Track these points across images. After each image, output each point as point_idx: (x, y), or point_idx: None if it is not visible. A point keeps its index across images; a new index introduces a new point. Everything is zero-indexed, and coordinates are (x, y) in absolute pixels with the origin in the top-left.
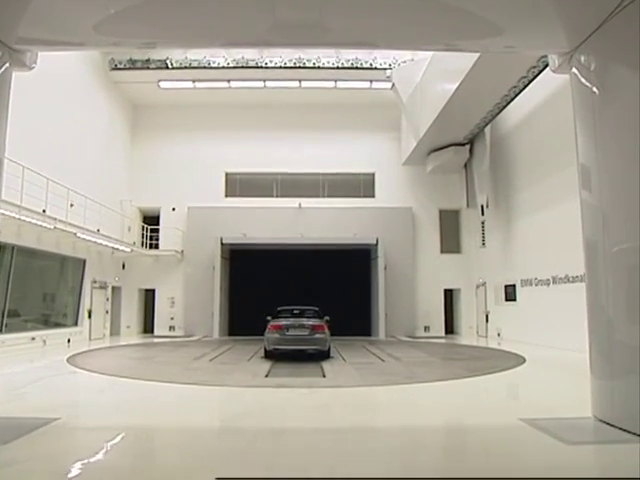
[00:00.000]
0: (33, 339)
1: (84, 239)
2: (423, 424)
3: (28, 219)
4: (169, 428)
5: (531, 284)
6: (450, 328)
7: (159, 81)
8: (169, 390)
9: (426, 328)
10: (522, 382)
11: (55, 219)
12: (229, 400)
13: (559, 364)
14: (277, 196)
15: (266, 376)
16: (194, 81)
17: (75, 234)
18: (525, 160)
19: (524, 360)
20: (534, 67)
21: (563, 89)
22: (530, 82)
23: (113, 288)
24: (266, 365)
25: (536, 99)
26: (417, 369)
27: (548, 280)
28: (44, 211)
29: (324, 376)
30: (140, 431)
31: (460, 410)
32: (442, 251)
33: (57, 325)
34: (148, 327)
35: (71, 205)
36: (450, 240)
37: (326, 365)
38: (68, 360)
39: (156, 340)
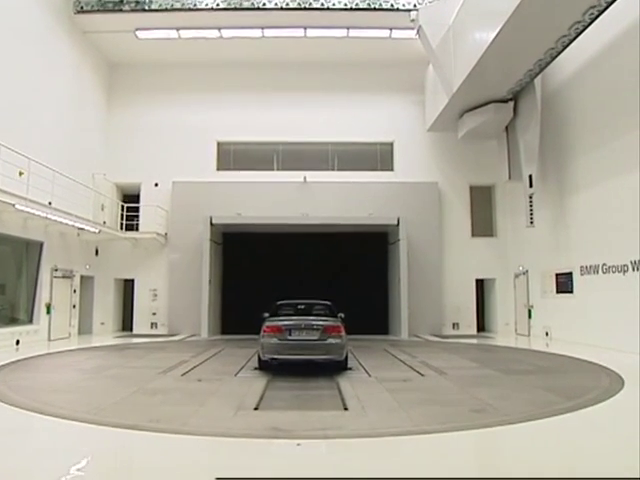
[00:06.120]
0: None
1: (29, 213)
2: None
3: None
4: None
5: (597, 271)
6: (481, 325)
7: (136, 30)
8: (84, 443)
9: (454, 325)
10: None
11: None
12: (175, 477)
13: None
14: (278, 169)
15: (256, 408)
16: (178, 29)
17: (14, 205)
18: (590, 115)
19: (618, 376)
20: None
21: None
22: (602, 12)
23: (83, 278)
24: (259, 384)
25: (611, 31)
26: (478, 391)
27: (625, 266)
28: None
29: (345, 408)
30: None
31: None
32: (473, 234)
33: (11, 322)
34: (127, 324)
35: (20, 173)
36: (483, 221)
37: (344, 384)
38: None
39: (133, 340)
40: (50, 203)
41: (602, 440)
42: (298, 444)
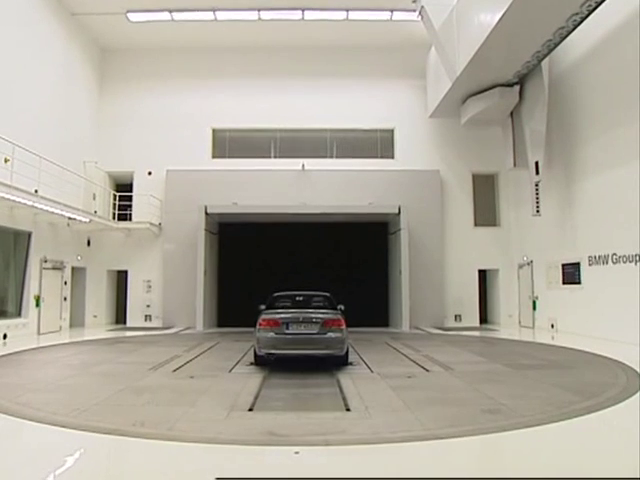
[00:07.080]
0: None
1: (14, 202)
2: None
3: None
4: None
5: (606, 262)
6: (484, 316)
7: (127, 12)
8: (57, 452)
9: (457, 317)
10: None
11: None
12: None
13: None
14: (275, 157)
15: (250, 409)
16: (171, 11)
17: None
18: (598, 99)
19: (634, 371)
20: None
21: None
22: None
23: (74, 269)
24: (254, 381)
25: (622, 12)
26: (489, 389)
27: (636, 256)
28: None
29: (347, 408)
30: None
31: None
32: (476, 224)
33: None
34: (120, 317)
35: (5, 160)
36: (486, 210)
37: (345, 380)
38: None
39: (126, 333)
40: (36, 191)
41: (632, 445)
42: (296, 452)
